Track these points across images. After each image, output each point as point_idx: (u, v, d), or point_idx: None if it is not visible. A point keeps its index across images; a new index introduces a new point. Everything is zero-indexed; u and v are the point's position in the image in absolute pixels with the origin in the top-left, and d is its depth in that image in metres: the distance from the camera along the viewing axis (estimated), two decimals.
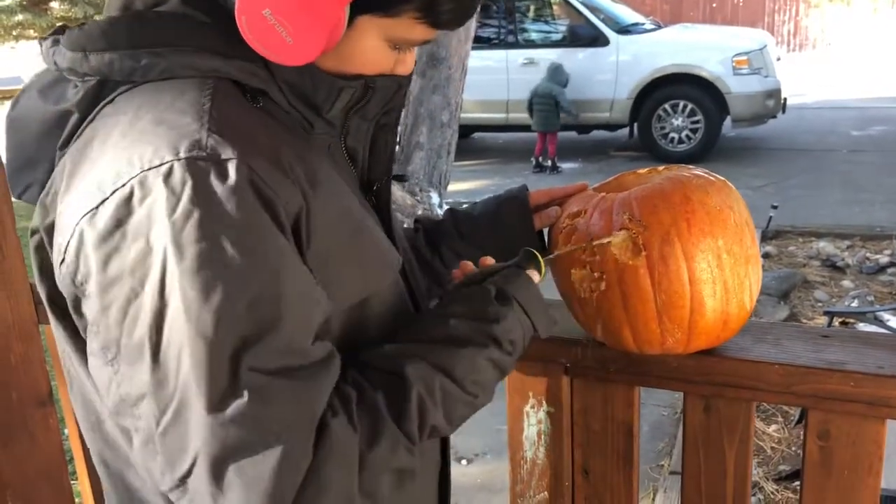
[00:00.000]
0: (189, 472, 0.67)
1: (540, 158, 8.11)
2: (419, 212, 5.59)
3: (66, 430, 1.70)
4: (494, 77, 8.47)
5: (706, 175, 0.99)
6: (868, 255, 4.86)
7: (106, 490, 0.91)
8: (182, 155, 0.67)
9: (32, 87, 0.83)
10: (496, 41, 8.68)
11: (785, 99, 8.13)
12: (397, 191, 5.65)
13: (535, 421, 1.18)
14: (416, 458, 0.79)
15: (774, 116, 8.14)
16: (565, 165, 8.21)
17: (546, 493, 1.21)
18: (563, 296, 1.07)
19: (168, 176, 0.66)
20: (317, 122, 0.83)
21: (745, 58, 7.77)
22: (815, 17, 18.05)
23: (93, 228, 0.68)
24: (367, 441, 0.73)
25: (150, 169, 0.66)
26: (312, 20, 0.72)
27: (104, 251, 0.67)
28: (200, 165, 0.66)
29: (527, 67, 8.26)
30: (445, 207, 5.98)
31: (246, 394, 0.65)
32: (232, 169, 0.67)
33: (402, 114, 1.05)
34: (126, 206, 0.67)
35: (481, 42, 8.14)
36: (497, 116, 8.70)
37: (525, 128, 8.32)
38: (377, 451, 0.74)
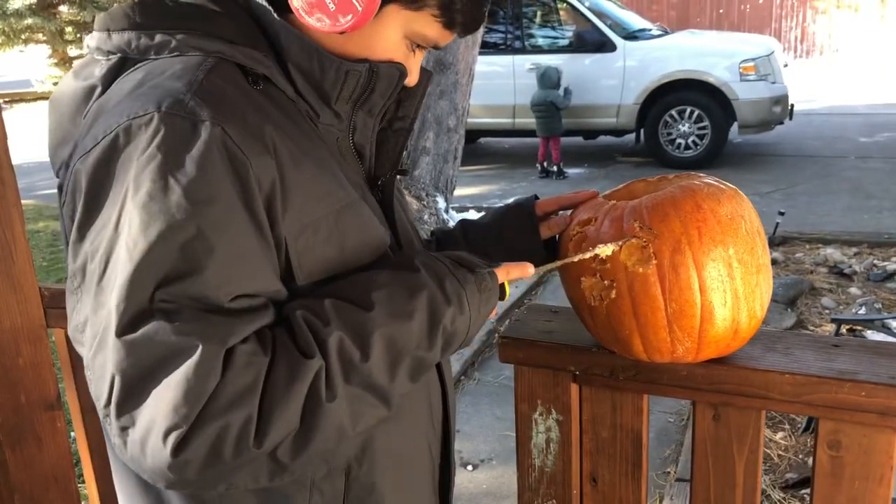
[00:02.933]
0: (109, 399, 0.71)
1: (545, 164, 8.10)
2: (425, 216, 5.58)
3: (73, 433, 1.70)
4: (501, 82, 8.47)
5: (717, 183, 0.99)
6: (876, 262, 4.84)
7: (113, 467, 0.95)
8: (163, 109, 0.74)
9: (71, 71, 0.90)
10: (503, 46, 8.68)
11: (792, 105, 8.10)
12: (404, 194, 5.65)
13: (543, 429, 1.18)
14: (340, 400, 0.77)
15: (782, 122, 8.11)
16: (571, 171, 8.19)
17: (554, 501, 1.21)
18: (572, 303, 1.07)
19: (147, 124, 0.73)
20: (324, 112, 0.88)
21: (752, 64, 7.75)
22: (823, 24, 18.00)
23: (84, 168, 0.76)
24: (272, 364, 0.75)
25: (134, 118, 0.74)
26: None
27: (91, 187, 0.75)
28: (176, 119, 0.73)
29: (533, 73, 8.24)
30: (451, 212, 5.98)
31: (156, 320, 0.70)
32: (205, 128, 0.73)
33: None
34: (111, 149, 0.74)
35: (488, 47, 8.14)
36: (503, 121, 8.69)
37: (531, 133, 8.31)
38: (278, 371, 0.74)
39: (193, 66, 0.79)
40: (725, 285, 0.93)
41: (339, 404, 0.76)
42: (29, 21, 13.23)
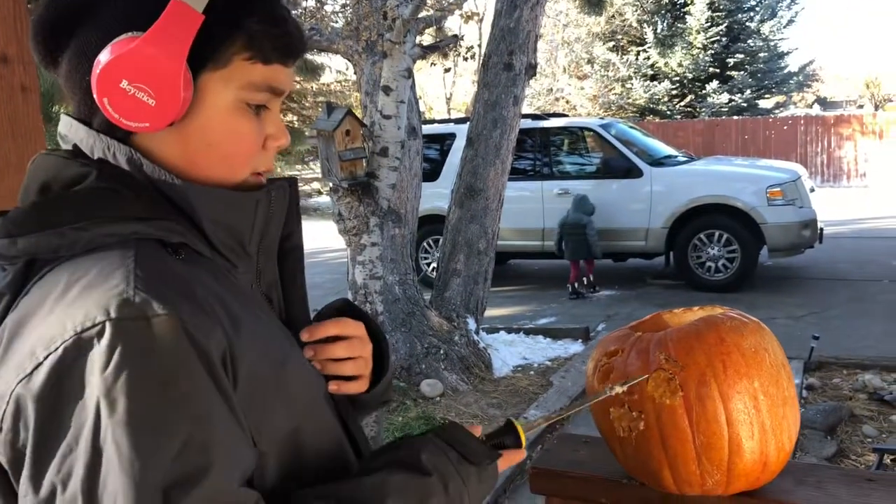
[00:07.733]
0: None
1: (576, 285, 8.15)
2: (456, 337, 5.59)
3: None
4: (530, 206, 8.68)
5: (740, 317, 1.02)
6: None
7: None
8: (113, 315, 0.69)
9: None
10: (532, 172, 8.95)
11: (821, 229, 8.13)
12: (434, 317, 5.69)
13: None
14: None
15: (811, 246, 8.13)
16: (603, 293, 8.22)
17: None
18: (602, 434, 1.08)
19: (100, 337, 0.68)
20: (241, 260, 0.86)
21: (778, 189, 7.87)
22: (849, 149, 18.30)
23: (29, 392, 0.69)
24: None
25: (82, 332, 0.69)
26: (164, 75, 0.76)
27: (42, 414, 0.69)
28: (130, 324, 0.69)
29: (561, 197, 8.45)
30: (482, 333, 5.98)
31: None
32: (161, 324, 0.69)
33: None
34: (60, 369, 0.69)
35: (518, 173, 8.38)
36: (533, 244, 8.84)
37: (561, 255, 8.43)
38: None
39: (118, 258, 0.74)
40: (752, 417, 0.94)
41: None
42: None
